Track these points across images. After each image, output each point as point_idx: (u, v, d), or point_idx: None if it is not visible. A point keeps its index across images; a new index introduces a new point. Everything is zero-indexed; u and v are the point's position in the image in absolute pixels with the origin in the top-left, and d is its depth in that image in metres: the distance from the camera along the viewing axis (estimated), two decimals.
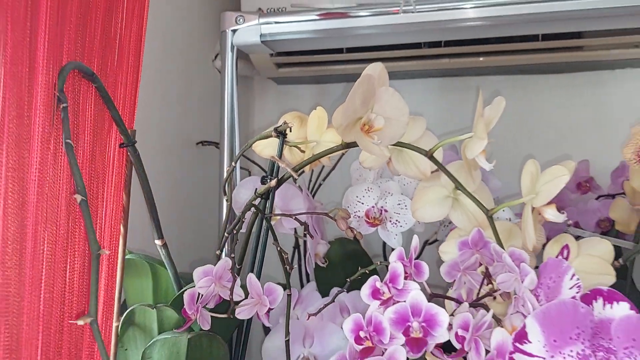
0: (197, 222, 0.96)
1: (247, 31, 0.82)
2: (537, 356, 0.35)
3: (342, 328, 0.66)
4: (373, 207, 0.73)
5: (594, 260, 0.52)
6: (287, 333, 0.57)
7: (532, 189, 0.54)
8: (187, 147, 0.94)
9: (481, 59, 1.00)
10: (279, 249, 0.54)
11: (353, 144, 0.54)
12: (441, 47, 0.96)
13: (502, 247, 0.52)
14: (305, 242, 0.73)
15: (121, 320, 0.52)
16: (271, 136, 0.57)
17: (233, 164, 0.65)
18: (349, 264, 0.77)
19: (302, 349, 0.70)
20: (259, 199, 0.57)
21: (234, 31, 0.83)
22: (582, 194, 0.97)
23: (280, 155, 0.57)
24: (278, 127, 0.56)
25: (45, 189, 0.41)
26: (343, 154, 0.80)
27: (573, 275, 0.39)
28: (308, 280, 0.86)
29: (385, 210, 0.73)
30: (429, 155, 0.55)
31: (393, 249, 0.56)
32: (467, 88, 1.08)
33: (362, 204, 0.73)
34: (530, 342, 0.36)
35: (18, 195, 0.40)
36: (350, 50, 0.97)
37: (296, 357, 0.69)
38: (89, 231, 0.43)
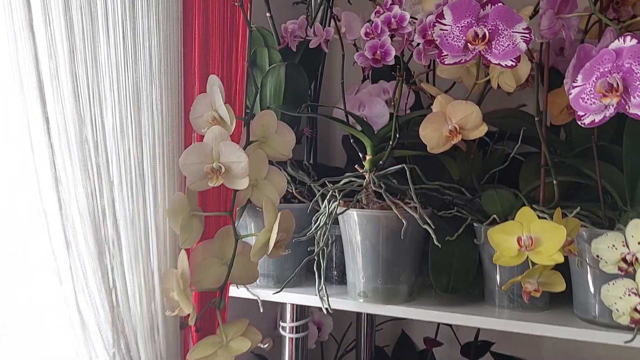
0: None
1: None
2: (447, 24, 0.73)
3: (383, 101, 1.08)
4: None
5: None
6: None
7: None
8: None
9: None
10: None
11: None
12: None
13: None
14: None
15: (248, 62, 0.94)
16: None
17: None
18: None
19: (358, 112, 1.11)
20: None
21: None
22: None
23: None
24: None
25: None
26: None
27: None
28: None
29: None
30: None
31: None
32: None
33: None
34: (445, 18, 0.73)
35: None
36: None
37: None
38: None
